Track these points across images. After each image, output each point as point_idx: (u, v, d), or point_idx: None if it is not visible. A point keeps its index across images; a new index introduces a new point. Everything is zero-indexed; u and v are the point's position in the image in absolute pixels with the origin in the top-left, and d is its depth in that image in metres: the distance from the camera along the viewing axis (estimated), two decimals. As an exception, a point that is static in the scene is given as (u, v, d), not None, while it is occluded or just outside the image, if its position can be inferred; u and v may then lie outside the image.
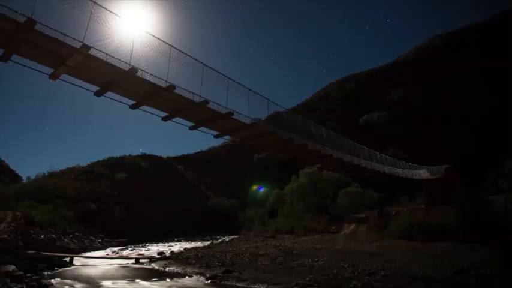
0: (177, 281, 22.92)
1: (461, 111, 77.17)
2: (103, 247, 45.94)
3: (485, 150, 61.72)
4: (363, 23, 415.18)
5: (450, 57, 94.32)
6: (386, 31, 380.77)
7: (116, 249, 44.72)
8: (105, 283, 22.20)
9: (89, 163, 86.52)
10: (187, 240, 55.43)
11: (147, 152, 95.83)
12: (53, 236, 42.70)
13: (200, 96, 19.64)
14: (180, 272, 26.92)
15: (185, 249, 43.03)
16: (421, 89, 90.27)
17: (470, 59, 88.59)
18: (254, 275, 22.65)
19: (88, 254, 38.57)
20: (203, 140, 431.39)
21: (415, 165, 49.63)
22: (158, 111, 21.04)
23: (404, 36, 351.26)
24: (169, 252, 40.25)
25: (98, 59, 15.65)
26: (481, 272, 17.51)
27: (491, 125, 67.91)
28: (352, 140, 36.51)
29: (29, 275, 22.00)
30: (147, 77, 17.51)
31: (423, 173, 50.05)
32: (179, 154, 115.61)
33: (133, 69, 16.58)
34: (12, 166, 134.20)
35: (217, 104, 20.83)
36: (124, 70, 16.52)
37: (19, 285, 19.02)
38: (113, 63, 16.19)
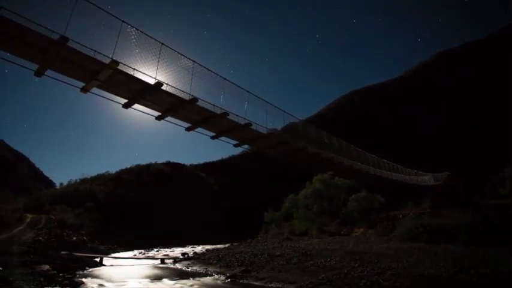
0: (198, 280, 22.71)
1: (463, 121, 76.65)
2: (130, 248, 45.82)
3: (485, 158, 61.12)
4: (372, 41, 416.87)
5: (451, 71, 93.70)
6: (394, 48, 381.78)
7: (142, 250, 44.66)
8: (132, 282, 22.16)
9: (118, 170, 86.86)
10: (208, 241, 55.14)
11: (172, 160, 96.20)
12: (84, 238, 42.77)
13: (221, 108, 19.48)
14: (201, 271, 26.82)
15: (207, 250, 42.95)
16: (425, 100, 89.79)
17: (470, 73, 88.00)
18: (271, 274, 22.40)
19: (117, 254, 38.48)
20: (224, 149, 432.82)
21: (420, 172, 49.35)
22: (182, 122, 20.86)
23: (409, 53, 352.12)
24: (192, 253, 40.14)
25: (126, 73, 15.57)
26: (481, 272, 17.21)
27: (491, 134, 67.28)
28: (362, 148, 36.26)
29: (62, 274, 21.90)
30: (171, 90, 17.38)
31: (428, 179, 49.73)
32: (201, 162, 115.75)
33: (159, 83, 16.48)
34: (46, 173, 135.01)
35: (236, 115, 20.67)
36: (150, 84, 16.41)
37: (53, 284, 18.91)
38: (140, 78, 16.08)
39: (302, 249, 32.83)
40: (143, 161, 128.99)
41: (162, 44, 16.66)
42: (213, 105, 19.34)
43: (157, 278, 23.79)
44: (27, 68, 14.43)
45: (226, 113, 19.83)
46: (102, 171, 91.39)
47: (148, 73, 16.29)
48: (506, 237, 25.07)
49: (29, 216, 43.80)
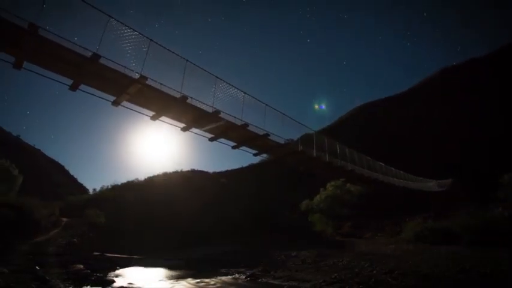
0: (220, 279, 22.69)
1: (465, 132, 76.16)
2: (159, 250, 45.63)
3: (485, 165, 60.47)
4: (382, 57, 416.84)
5: (454, 85, 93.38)
6: (401, 64, 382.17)
7: (169, 251, 44.47)
8: (160, 281, 22.25)
9: (146, 177, 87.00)
10: (229, 243, 54.81)
11: (196, 168, 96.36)
12: (115, 239, 42.76)
13: (241, 119, 19.36)
14: (223, 271, 26.75)
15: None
16: (431, 112, 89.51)
17: (471, 86, 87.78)
18: (287, 274, 22.52)
19: (146, 256, 38.43)
20: (244, 157, 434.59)
21: (425, 179, 49.04)
22: (205, 132, 20.76)
23: (415, 69, 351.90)
24: (215, 254, 39.96)
25: (153, 88, 15.57)
26: (482, 271, 17.34)
27: (491, 143, 66.68)
28: (371, 157, 36.05)
29: (94, 273, 21.93)
30: (195, 103, 17.32)
31: (432, 186, 49.32)
32: (223, 170, 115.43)
33: (184, 97, 16.39)
34: (80, 180, 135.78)
35: (255, 126, 20.53)
36: (176, 98, 16.38)
37: (86, 283, 18.94)
38: (167, 92, 16.06)
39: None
40: (170, 168, 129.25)
41: (187, 60, 16.60)
42: (234, 117, 19.25)
43: (182, 277, 23.75)
44: (62, 83, 14.42)
45: (246, 124, 19.73)
46: (131, 178, 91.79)
47: (174, 87, 16.24)
48: (506, 239, 24.97)
49: (64, 220, 44.01)
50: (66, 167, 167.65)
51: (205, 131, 20.38)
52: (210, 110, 17.94)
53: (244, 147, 23.42)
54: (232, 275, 24.69)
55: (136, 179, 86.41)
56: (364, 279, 17.55)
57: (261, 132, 21.21)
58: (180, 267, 30.38)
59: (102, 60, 13.58)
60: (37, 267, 20.54)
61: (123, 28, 14.17)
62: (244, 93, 19.64)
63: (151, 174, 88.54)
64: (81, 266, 23.11)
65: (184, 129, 19.56)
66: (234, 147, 23.01)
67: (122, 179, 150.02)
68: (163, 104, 16.96)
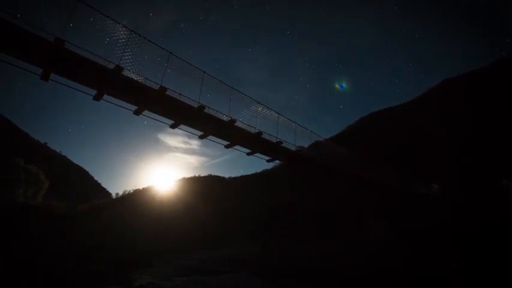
0: (237, 275, 23.05)
1: (466, 138, 75.77)
2: (177, 251, 45.68)
3: (485, 170, 60.05)
4: (388, 70, 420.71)
5: (455, 95, 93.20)
6: (406, 76, 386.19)
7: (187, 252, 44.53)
8: (178, 278, 22.34)
9: (165, 183, 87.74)
10: (241, 244, 54.77)
11: (213, 173, 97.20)
12: (136, 240, 42.87)
13: (255, 128, 19.35)
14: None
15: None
16: (433, 120, 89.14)
17: (471, 96, 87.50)
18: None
19: (164, 256, 38.57)
20: (258, 163, 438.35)
21: (427, 183, 48.94)
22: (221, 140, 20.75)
23: (418, 80, 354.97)
24: (228, 254, 40.09)
25: (172, 98, 15.69)
26: (482, 270, 18.34)
27: (491, 149, 66.28)
28: (377, 161, 36.00)
29: (117, 272, 22.13)
30: (212, 112, 17.37)
31: (434, 190, 49.26)
32: (238, 175, 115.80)
33: (201, 106, 16.52)
34: (103, 185, 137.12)
35: (269, 134, 20.55)
36: (194, 107, 16.43)
37: (109, 281, 19.04)
38: (185, 102, 16.12)
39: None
40: (188, 174, 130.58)
41: (204, 72, 16.63)
42: (249, 125, 19.26)
43: (200, 274, 23.95)
44: (87, 93, 14.41)
45: (260, 133, 19.82)
46: (152, 183, 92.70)
47: (192, 97, 16.26)
48: (504, 240, 25.00)
49: (88, 222, 44.23)
50: (91, 173, 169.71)
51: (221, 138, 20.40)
52: (226, 118, 18.01)
53: (258, 154, 23.37)
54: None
55: (156, 184, 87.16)
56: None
57: (274, 140, 21.29)
58: (197, 266, 30.53)
59: (124, 72, 13.69)
60: (62, 266, 20.56)
61: (145, 41, 14.28)
62: (258, 102, 19.65)
63: (170, 180, 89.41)
64: (104, 265, 23.18)
65: (202, 137, 19.54)
66: (248, 154, 22.96)
67: (142, 184, 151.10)
68: (181, 113, 16.97)
